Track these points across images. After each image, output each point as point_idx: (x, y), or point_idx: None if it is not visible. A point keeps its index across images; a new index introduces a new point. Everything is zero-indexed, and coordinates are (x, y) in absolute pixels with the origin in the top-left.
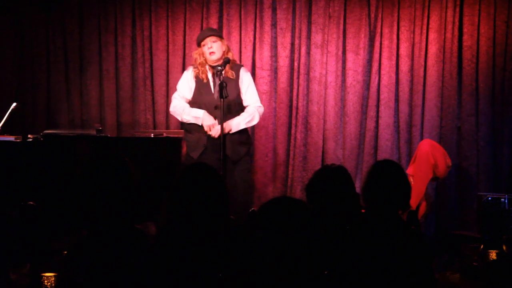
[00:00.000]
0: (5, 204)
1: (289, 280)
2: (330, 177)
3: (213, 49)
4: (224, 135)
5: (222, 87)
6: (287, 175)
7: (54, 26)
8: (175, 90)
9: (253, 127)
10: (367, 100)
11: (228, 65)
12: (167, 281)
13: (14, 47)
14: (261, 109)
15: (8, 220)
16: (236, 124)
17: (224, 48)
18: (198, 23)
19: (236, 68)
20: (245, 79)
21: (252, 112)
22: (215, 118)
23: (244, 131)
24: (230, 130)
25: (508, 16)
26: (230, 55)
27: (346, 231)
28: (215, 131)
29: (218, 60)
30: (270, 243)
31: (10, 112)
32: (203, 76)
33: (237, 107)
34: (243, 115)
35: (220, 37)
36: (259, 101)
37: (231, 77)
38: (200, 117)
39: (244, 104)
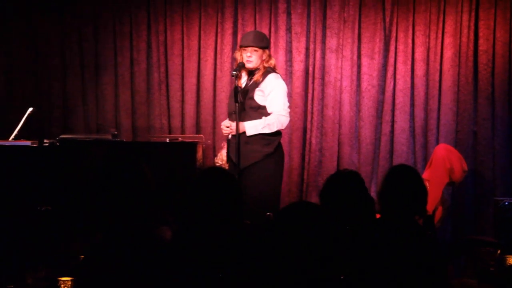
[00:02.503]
0: (22, 209)
1: (305, 285)
2: (343, 182)
3: (251, 58)
4: (239, 139)
5: (236, 92)
6: (302, 180)
7: (70, 31)
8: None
9: None
10: (382, 105)
11: (261, 70)
12: (183, 285)
13: (30, 52)
14: (283, 118)
15: (24, 225)
16: (251, 127)
17: (264, 57)
18: (213, 27)
19: (266, 73)
20: (269, 85)
21: (271, 119)
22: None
23: (260, 140)
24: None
25: None
26: (271, 64)
27: (361, 236)
28: (227, 129)
29: (256, 67)
30: (287, 248)
31: (26, 117)
32: (237, 81)
33: (253, 112)
34: (260, 120)
35: (264, 47)
36: (283, 110)
37: (256, 81)
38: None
39: (268, 111)
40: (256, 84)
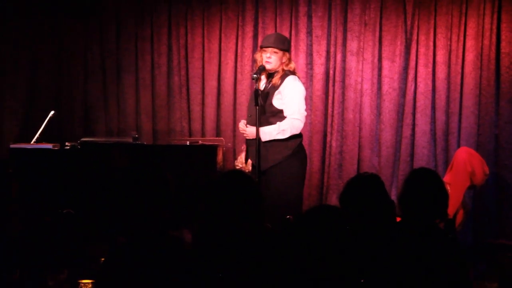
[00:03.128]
0: (44, 211)
1: None
2: (363, 185)
3: (271, 59)
4: (259, 142)
5: (257, 95)
6: (322, 183)
7: (92, 35)
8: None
9: None
10: (403, 108)
11: (279, 73)
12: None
13: (53, 56)
14: (297, 123)
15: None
16: (265, 133)
17: (284, 60)
18: (233, 31)
19: (284, 76)
20: (287, 88)
21: (284, 124)
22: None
23: (279, 143)
24: (251, 136)
25: None
26: (290, 67)
27: (382, 239)
28: (249, 132)
29: (274, 69)
30: (308, 251)
31: (48, 120)
32: (257, 84)
33: (269, 115)
34: (274, 126)
35: (284, 50)
36: (297, 114)
37: (274, 84)
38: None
39: (284, 114)
40: (275, 88)
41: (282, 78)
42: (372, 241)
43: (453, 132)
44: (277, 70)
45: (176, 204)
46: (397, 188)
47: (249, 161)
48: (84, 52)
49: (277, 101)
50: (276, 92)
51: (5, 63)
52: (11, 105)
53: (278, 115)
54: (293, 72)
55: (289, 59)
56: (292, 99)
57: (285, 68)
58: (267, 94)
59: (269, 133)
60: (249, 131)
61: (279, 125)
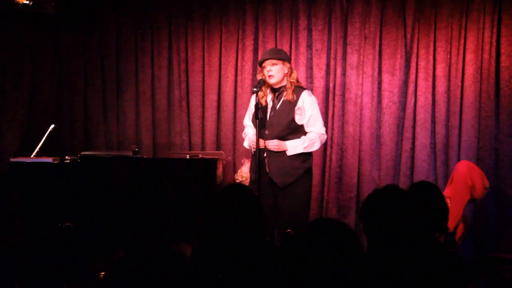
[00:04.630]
0: (43, 225)
1: None
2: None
3: (272, 72)
4: (259, 154)
5: (257, 109)
6: (322, 196)
7: (92, 48)
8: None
9: None
10: (403, 121)
11: (290, 87)
12: None
13: (53, 69)
14: (324, 137)
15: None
16: (293, 146)
17: (286, 71)
18: (233, 44)
19: (298, 91)
20: (307, 104)
21: (313, 138)
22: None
23: (299, 157)
24: (282, 149)
25: None
26: (293, 78)
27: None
28: (272, 144)
29: (278, 82)
30: (307, 265)
31: (48, 134)
32: (262, 100)
33: (290, 131)
34: (302, 138)
35: (282, 59)
36: (322, 129)
37: (290, 100)
38: (249, 136)
39: (307, 130)
40: (292, 104)
41: (297, 93)
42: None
43: (453, 145)
44: (283, 84)
45: (176, 218)
46: None
47: (245, 175)
48: (85, 66)
49: (297, 116)
50: (296, 108)
51: (6, 76)
52: (12, 118)
53: (298, 130)
54: (301, 86)
55: (291, 69)
56: (316, 115)
57: (290, 80)
58: (283, 109)
59: (295, 147)
60: (273, 144)
61: (307, 139)
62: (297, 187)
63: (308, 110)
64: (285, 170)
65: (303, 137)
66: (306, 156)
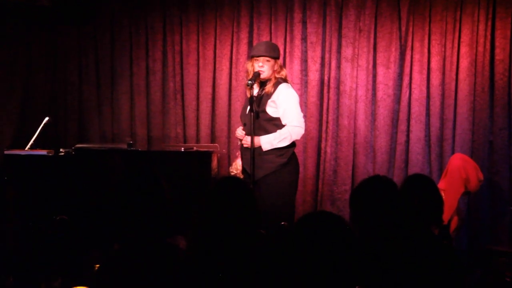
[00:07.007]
0: (38, 218)
1: None
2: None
3: (263, 68)
4: (253, 151)
5: (251, 102)
6: (317, 189)
7: (86, 41)
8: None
9: None
10: (398, 114)
11: (272, 81)
12: None
13: (47, 62)
14: (298, 130)
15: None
16: (266, 142)
17: (276, 67)
18: (228, 37)
19: (277, 84)
20: (281, 96)
21: (284, 132)
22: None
23: (273, 151)
24: (257, 145)
25: None
26: (282, 74)
27: (377, 245)
28: (245, 141)
29: (267, 77)
30: (304, 258)
31: (42, 127)
32: (248, 93)
33: (266, 124)
34: (275, 134)
35: (276, 58)
36: (296, 121)
37: (267, 93)
38: (237, 129)
39: (283, 123)
40: (268, 96)
41: (275, 86)
42: (367, 247)
43: (448, 138)
44: (270, 78)
45: (170, 211)
46: None
47: (240, 168)
48: (79, 58)
49: (271, 108)
50: (270, 100)
51: (0, 69)
52: (6, 111)
53: (272, 123)
54: (285, 80)
55: (281, 66)
56: (289, 107)
57: (277, 76)
58: (260, 101)
59: (269, 142)
60: (249, 139)
61: (279, 134)
62: (271, 180)
63: (282, 102)
64: (256, 163)
65: (278, 131)
66: (282, 151)
